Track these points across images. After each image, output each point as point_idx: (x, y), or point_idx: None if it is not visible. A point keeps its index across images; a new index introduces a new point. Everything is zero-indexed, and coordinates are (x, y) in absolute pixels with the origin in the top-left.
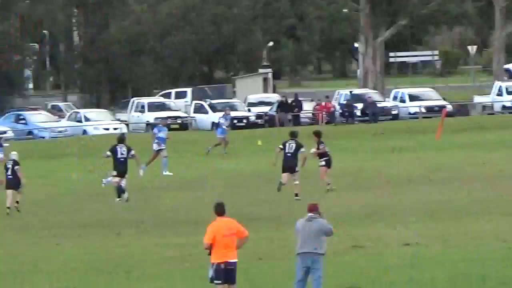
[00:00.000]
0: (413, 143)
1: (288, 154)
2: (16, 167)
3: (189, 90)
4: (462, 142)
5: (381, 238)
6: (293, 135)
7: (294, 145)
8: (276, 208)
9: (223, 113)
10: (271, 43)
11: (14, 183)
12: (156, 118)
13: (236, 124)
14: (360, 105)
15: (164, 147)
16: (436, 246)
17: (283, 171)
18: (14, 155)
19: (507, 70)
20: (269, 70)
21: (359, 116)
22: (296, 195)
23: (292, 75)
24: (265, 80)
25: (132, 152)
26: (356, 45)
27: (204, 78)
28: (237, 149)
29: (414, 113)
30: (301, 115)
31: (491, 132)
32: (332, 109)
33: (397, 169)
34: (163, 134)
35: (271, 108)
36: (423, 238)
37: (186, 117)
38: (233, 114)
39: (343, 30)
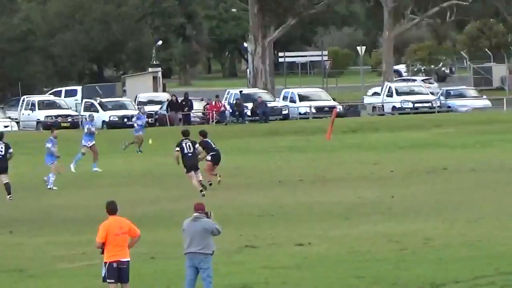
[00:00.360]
0: (303, 143)
1: (189, 154)
2: None
3: (79, 89)
4: (352, 143)
5: (274, 238)
6: (186, 134)
7: (190, 144)
8: (168, 206)
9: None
10: (160, 42)
11: None
12: (47, 116)
13: (127, 123)
14: (250, 105)
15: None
16: (329, 246)
17: (188, 171)
18: None
19: (396, 71)
20: (159, 69)
21: (249, 116)
22: (201, 191)
23: (182, 74)
24: (155, 79)
25: (10, 150)
26: (245, 44)
27: (94, 76)
28: (128, 148)
29: (304, 113)
30: (192, 114)
31: (382, 133)
32: (222, 108)
33: (289, 169)
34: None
35: (161, 107)
36: (316, 239)
37: (76, 115)
38: (123, 113)
39: (232, 30)
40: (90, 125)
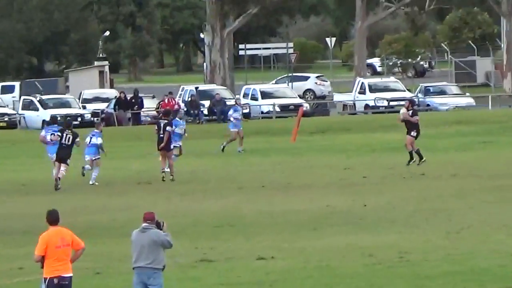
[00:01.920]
0: (266, 145)
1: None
2: None
3: (17, 84)
4: (321, 145)
5: (233, 251)
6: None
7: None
8: (116, 216)
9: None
10: (107, 33)
11: None
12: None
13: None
14: (207, 103)
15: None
16: (294, 260)
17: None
18: None
19: (370, 65)
20: (106, 62)
21: (206, 115)
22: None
23: (131, 68)
24: (102, 73)
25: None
26: (202, 35)
27: (34, 70)
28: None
29: (267, 112)
30: (142, 113)
31: (354, 134)
32: (176, 107)
33: (250, 174)
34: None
35: (108, 105)
36: (279, 252)
37: (14, 114)
38: (66, 111)
39: (187, 19)
40: (96, 136)
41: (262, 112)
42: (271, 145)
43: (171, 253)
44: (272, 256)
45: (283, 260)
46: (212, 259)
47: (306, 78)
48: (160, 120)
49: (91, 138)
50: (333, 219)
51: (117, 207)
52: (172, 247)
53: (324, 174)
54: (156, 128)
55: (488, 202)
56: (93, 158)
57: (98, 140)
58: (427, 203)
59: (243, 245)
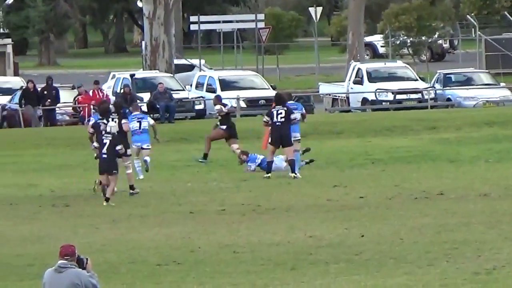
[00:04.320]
0: (227, 154)
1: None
2: None
3: None
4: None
5: None
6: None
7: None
8: (21, 249)
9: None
10: (10, 0)
11: None
12: None
13: None
14: (146, 96)
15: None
16: None
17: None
18: None
19: (369, 44)
20: (8, 40)
21: (145, 112)
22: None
23: (43, 49)
24: (2, 55)
25: (152, 122)
26: (139, 4)
27: None
28: None
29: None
30: (58, 109)
31: (347, 139)
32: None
33: (205, 194)
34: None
35: (12, 99)
36: None
37: None
38: None
39: None
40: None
41: None
42: (234, 154)
43: None
44: None
45: None
46: None
47: (192, 67)
48: (99, 121)
49: (140, 122)
50: (319, 254)
51: (23, 237)
52: None
53: (306, 193)
54: (92, 131)
55: None
56: (144, 147)
57: (150, 121)
58: (447, 233)
59: None
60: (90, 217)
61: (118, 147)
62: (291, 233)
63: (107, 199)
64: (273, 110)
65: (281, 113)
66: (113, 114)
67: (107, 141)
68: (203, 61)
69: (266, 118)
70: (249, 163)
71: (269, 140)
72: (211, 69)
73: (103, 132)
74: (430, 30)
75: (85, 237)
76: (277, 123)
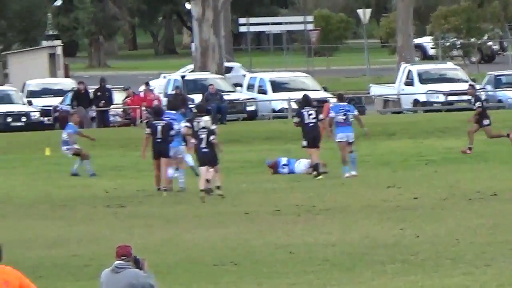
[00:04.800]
0: (280, 154)
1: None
2: None
3: None
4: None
5: None
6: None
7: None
8: (79, 249)
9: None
10: (59, 2)
11: None
12: None
13: (11, 124)
14: (197, 97)
15: None
16: None
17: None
18: None
19: (419, 46)
20: (58, 42)
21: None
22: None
23: (93, 51)
24: (52, 57)
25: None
26: (188, 6)
27: None
28: (12, 161)
29: (281, 110)
30: (110, 111)
31: (399, 140)
32: (155, 102)
33: (260, 195)
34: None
35: (63, 100)
36: None
37: None
38: (7, 108)
39: None
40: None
41: (273, 110)
42: (287, 154)
43: None
44: None
45: None
46: None
47: (230, 70)
48: (155, 122)
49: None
50: (375, 255)
51: (79, 238)
52: None
53: (361, 194)
54: (149, 132)
55: None
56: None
57: (181, 125)
58: (502, 233)
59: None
60: (145, 217)
61: (211, 137)
62: (347, 233)
63: (218, 187)
64: (303, 111)
65: (311, 113)
66: (198, 115)
67: (203, 136)
68: (239, 64)
69: (296, 119)
70: (280, 169)
71: (305, 143)
72: (248, 71)
73: (199, 128)
74: (480, 32)
75: (140, 237)
76: (310, 124)
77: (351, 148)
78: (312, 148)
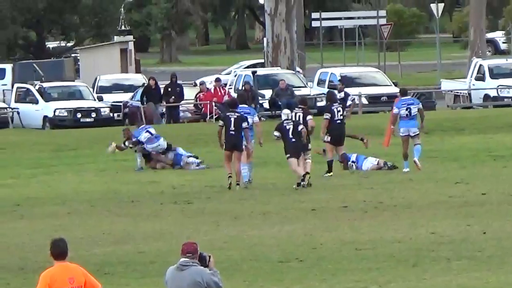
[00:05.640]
0: (347, 150)
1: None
2: None
3: (8, 67)
4: (423, 150)
5: None
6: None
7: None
8: (144, 246)
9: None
10: None
11: None
12: None
13: (81, 120)
14: (268, 93)
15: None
16: None
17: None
18: None
19: (491, 41)
20: (130, 37)
21: (267, 110)
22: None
23: (165, 46)
24: (124, 52)
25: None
26: (261, 1)
27: (31, 48)
28: (81, 157)
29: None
30: (181, 107)
31: (469, 135)
32: (225, 97)
33: (326, 191)
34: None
35: (134, 96)
36: None
37: (4, 108)
38: (75, 104)
39: None
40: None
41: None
42: (355, 150)
43: None
44: None
45: None
46: None
47: None
48: (228, 113)
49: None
50: (441, 251)
51: (145, 235)
52: None
53: (428, 190)
54: (222, 124)
55: None
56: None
57: (255, 118)
58: None
59: (313, 284)
60: (212, 214)
61: (300, 127)
62: (413, 230)
63: (307, 173)
64: (332, 107)
65: (340, 110)
66: (297, 108)
67: (289, 127)
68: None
69: (327, 115)
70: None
71: (328, 139)
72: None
73: (284, 121)
74: None
75: (207, 234)
76: (338, 121)
77: (416, 140)
78: (337, 145)
